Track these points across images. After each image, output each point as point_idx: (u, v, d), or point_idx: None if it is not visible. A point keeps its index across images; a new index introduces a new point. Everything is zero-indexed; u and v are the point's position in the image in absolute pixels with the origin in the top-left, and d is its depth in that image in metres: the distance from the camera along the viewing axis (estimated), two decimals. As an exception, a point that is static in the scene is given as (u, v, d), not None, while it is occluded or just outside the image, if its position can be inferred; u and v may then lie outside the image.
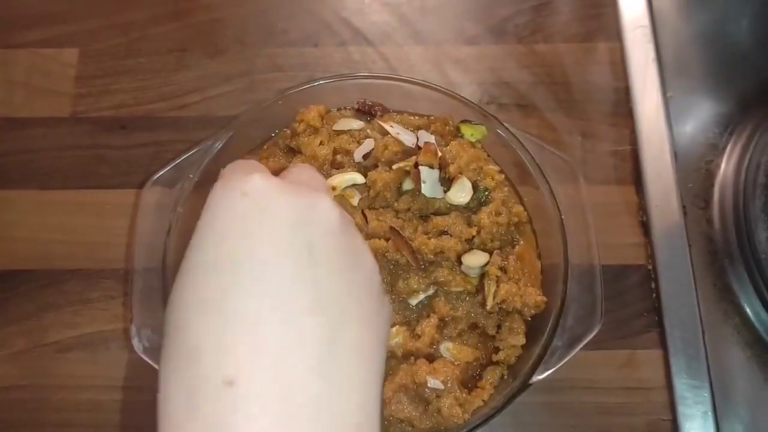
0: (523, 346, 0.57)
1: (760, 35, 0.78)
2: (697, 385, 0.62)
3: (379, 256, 0.59)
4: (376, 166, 0.62)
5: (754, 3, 0.80)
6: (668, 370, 0.62)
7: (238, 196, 0.37)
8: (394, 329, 0.56)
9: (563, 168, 0.63)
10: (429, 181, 0.59)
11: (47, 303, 0.65)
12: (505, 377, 0.57)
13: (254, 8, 0.79)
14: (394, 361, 0.56)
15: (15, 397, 0.62)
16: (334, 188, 0.60)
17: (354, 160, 0.62)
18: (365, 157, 0.62)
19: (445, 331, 0.57)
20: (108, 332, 0.64)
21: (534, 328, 0.58)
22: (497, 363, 0.57)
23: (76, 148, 0.72)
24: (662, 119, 0.72)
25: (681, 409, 0.61)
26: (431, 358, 0.56)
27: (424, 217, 0.61)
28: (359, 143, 0.63)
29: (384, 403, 0.54)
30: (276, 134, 0.66)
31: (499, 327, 0.58)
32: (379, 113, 0.66)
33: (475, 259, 0.58)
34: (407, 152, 0.61)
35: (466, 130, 0.63)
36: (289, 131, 0.66)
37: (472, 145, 0.62)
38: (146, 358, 0.56)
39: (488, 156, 0.64)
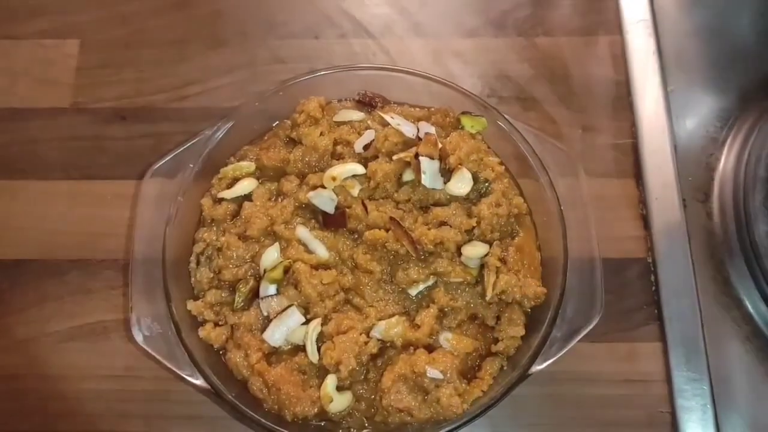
0: (522, 337, 0.57)
1: (761, 29, 0.78)
2: (697, 378, 0.62)
3: (379, 246, 0.59)
4: (376, 156, 0.62)
5: (754, -3, 0.80)
6: (668, 362, 0.62)
7: None
8: (393, 319, 0.56)
9: (563, 160, 0.63)
10: (429, 172, 0.59)
11: (48, 293, 0.65)
12: (505, 368, 0.57)
13: (255, 0, 0.79)
14: (393, 351, 0.56)
15: (17, 387, 0.63)
16: (334, 179, 0.60)
17: (354, 151, 0.63)
18: (366, 147, 0.62)
19: (444, 321, 0.58)
20: (108, 322, 0.64)
21: (533, 319, 0.58)
22: (496, 354, 0.57)
23: (77, 139, 0.72)
24: (662, 113, 0.72)
25: (680, 402, 0.61)
26: (431, 349, 0.56)
27: (424, 208, 0.61)
28: (360, 134, 0.63)
29: (383, 393, 0.54)
30: (277, 125, 0.66)
31: (498, 318, 0.58)
32: (379, 104, 0.66)
33: (474, 250, 0.58)
34: (407, 143, 0.62)
35: (467, 122, 0.63)
36: (289, 122, 0.66)
37: (473, 136, 0.63)
38: (146, 347, 0.56)
39: (488, 147, 0.64)
